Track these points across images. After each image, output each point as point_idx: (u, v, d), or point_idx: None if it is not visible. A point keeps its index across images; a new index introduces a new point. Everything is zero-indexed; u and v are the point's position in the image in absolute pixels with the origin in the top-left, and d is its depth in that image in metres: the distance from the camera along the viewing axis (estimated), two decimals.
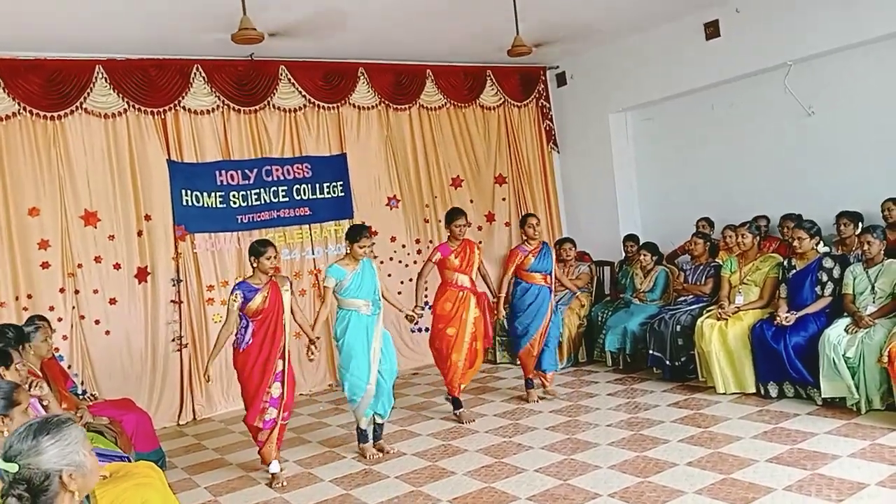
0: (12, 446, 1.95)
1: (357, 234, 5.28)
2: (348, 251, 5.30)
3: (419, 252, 8.43)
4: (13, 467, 1.92)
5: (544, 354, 6.27)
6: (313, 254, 7.79)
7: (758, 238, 6.22)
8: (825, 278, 5.51)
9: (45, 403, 4.07)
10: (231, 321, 4.84)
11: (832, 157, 6.82)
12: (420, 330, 8.22)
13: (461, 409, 6.00)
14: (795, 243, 5.58)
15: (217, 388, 7.17)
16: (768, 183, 7.34)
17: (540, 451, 4.95)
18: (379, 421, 5.35)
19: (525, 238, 6.32)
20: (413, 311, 5.75)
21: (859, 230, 5.86)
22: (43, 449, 1.95)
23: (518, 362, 6.57)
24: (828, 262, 5.54)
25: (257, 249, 4.85)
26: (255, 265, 4.88)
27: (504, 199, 9.10)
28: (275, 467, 4.92)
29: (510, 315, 6.41)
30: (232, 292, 4.85)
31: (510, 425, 5.67)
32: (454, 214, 5.99)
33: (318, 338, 5.23)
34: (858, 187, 6.46)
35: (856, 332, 5.02)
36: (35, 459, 1.94)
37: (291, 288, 5.02)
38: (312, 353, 5.09)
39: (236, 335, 4.90)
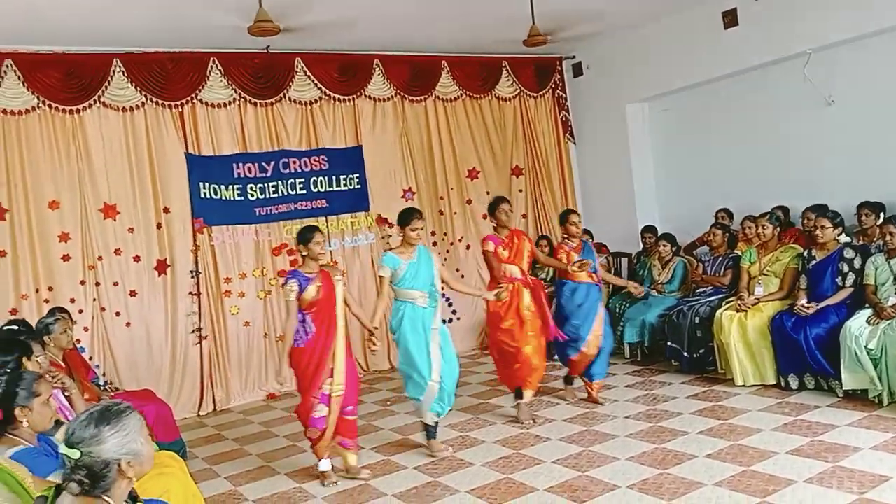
0: (74, 433, 2.01)
1: (408, 216, 4.94)
2: (401, 238, 4.99)
3: (434, 244, 8.42)
4: (75, 454, 1.98)
5: (595, 360, 5.76)
6: (330, 246, 7.80)
7: (778, 229, 6.16)
8: (846, 269, 5.45)
9: (67, 394, 4.12)
10: (293, 313, 4.52)
11: (852, 147, 6.73)
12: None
13: (523, 401, 5.51)
14: (818, 232, 5.52)
15: (237, 380, 7.23)
16: (788, 173, 7.26)
17: (558, 443, 4.94)
18: (435, 419, 5.02)
19: (566, 236, 5.89)
20: (496, 293, 5.33)
21: (881, 220, 5.79)
22: (104, 438, 2.01)
23: (562, 361, 6.06)
24: (849, 253, 5.48)
25: (305, 235, 4.57)
26: (304, 253, 4.58)
27: (521, 191, 9.07)
28: (324, 465, 4.68)
29: (557, 319, 5.74)
30: (286, 282, 4.53)
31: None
32: (497, 201, 5.56)
33: (376, 328, 4.91)
34: (880, 177, 6.37)
35: (877, 323, 4.97)
36: (96, 448, 1.99)
37: (345, 279, 4.72)
38: (374, 345, 4.86)
39: (295, 328, 4.56)
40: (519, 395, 5.56)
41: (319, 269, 4.61)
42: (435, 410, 4.96)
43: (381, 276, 4.99)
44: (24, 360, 3.71)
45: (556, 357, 6.17)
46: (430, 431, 5.04)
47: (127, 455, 2.04)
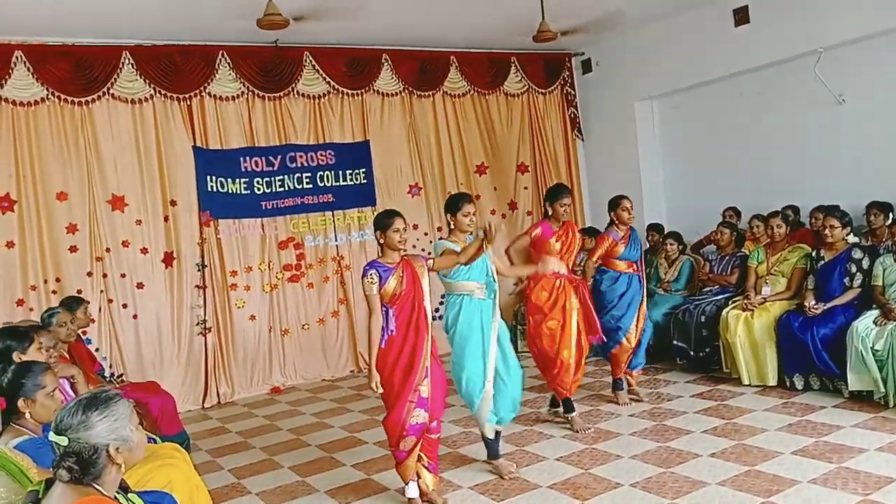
0: (63, 420, 2.03)
1: (458, 201, 4.48)
2: (453, 225, 4.49)
3: (442, 240, 8.38)
4: (63, 440, 2.00)
5: (636, 351, 5.66)
6: (336, 240, 7.82)
7: (787, 228, 6.12)
8: (854, 269, 5.42)
9: (73, 381, 4.14)
10: (378, 309, 3.93)
11: (862, 147, 6.69)
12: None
13: (574, 413, 5.16)
14: (827, 232, 5.49)
15: (241, 373, 7.25)
16: (797, 173, 7.22)
17: (561, 440, 4.94)
18: (498, 429, 4.49)
19: (616, 222, 5.59)
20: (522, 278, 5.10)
21: (890, 221, 5.75)
22: (92, 424, 2.03)
23: (603, 356, 5.93)
24: (857, 253, 5.44)
25: (383, 221, 4.00)
26: (381, 241, 4.02)
27: (526, 188, 9.04)
28: (412, 491, 4.03)
29: (597, 308, 5.48)
30: (364, 274, 3.95)
31: (531, 413, 5.65)
32: (560, 191, 5.22)
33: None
34: (889, 177, 6.32)
35: (885, 324, 4.93)
36: (84, 434, 2.01)
37: (431, 266, 4.14)
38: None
39: (379, 325, 3.98)
40: (569, 407, 5.17)
41: (401, 259, 4.03)
42: (493, 421, 4.42)
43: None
44: (18, 353, 3.67)
45: (593, 355, 5.95)
46: (490, 447, 4.49)
47: (116, 440, 2.05)
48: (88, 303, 5.79)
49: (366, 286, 3.94)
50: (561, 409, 5.30)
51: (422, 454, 4.03)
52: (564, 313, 5.06)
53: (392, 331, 3.94)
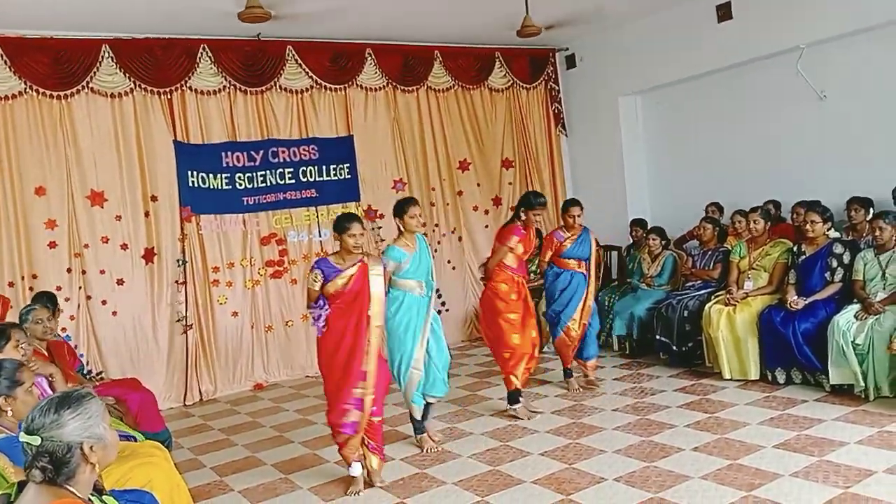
0: (34, 420, 2.00)
1: (405, 204, 4.84)
2: (402, 228, 4.84)
3: (425, 235, 8.35)
4: (36, 440, 1.97)
5: (584, 342, 6.00)
6: (320, 236, 7.76)
7: (768, 223, 6.16)
8: (835, 264, 5.46)
9: (51, 380, 4.09)
10: (310, 299, 4.27)
11: (844, 143, 6.74)
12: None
13: (518, 405, 5.45)
14: (808, 227, 5.53)
15: (223, 370, 7.19)
16: (779, 168, 7.27)
17: (545, 435, 4.94)
18: (429, 400, 4.93)
19: (563, 225, 6.02)
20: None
21: (870, 216, 5.80)
22: (64, 422, 2.00)
23: (549, 350, 6.37)
24: (838, 248, 5.49)
25: (341, 225, 4.21)
26: (338, 242, 4.30)
27: (510, 183, 9.04)
28: (355, 470, 4.31)
29: (546, 302, 6.08)
30: (311, 269, 4.23)
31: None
32: (540, 203, 5.47)
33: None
34: (870, 173, 6.38)
35: (865, 318, 4.97)
36: (57, 432, 1.98)
37: (386, 271, 4.47)
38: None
39: (315, 318, 4.27)
40: (513, 399, 5.46)
41: (357, 260, 4.23)
42: (427, 391, 4.87)
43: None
44: (6, 346, 3.67)
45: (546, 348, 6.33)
46: (416, 426, 4.95)
47: (90, 438, 2.02)
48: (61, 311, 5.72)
49: (309, 281, 4.23)
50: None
51: (366, 437, 4.30)
52: (526, 306, 5.46)
53: (324, 327, 4.20)
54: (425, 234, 7.90)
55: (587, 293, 5.93)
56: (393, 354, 4.78)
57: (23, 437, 1.99)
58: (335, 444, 4.37)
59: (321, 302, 4.21)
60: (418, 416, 4.92)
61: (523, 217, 5.46)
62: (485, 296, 5.62)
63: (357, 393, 4.17)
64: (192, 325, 7.04)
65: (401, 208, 4.83)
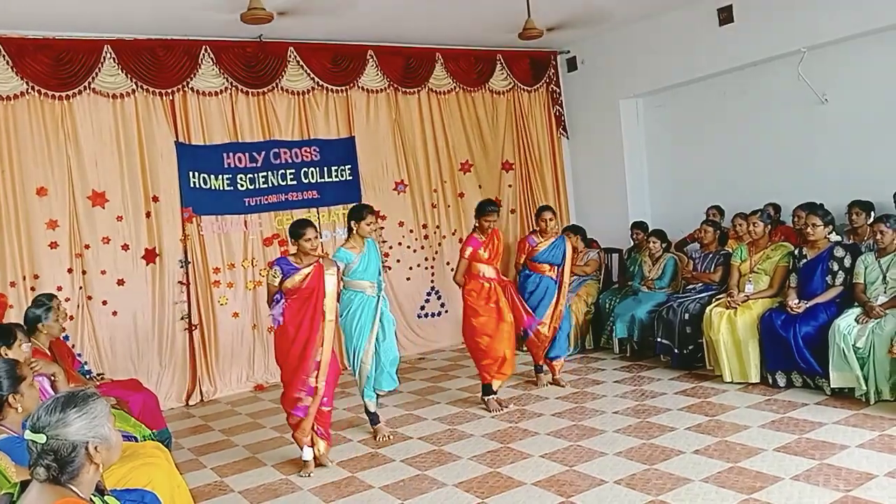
0: (40, 418, 2.01)
1: (362, 210, 5.27)
2: (354, 231, 5.22)
3: (426, 237, 8.41)
4: (41, 438, 1.97)
5: (553, 343, 6.24)
6: (321, 237, 7.73)
7: (769, 226, 6.16)
8: (836, 267, 5.47)
9: (53, 380, 4.09)
10: (269, 295, 4.71)
11: (845, 146, 6.75)
12: (428, 315, 8.24)
13: (491, 396, 5.77)
14: (808, 230, 5.53)
15: (224, 370, 7.19)
16: (780, 171, 7.27)
17: (546, 437, 4.94)
18: (379, 393, 5.39)
19: (537, 230, 6.25)
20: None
21: (871, 220, 5.80)
22: (70, 421, 2.00)
23: (525, 349, 6.58)
24: (839, 252, 5.49)
25: (296, 231, 4.65)
26: (295, 248, 4.72)
27: (511, 186, 9.04)
28: (307, 455, 4.72)
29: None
30: (271, 267, 4.69)
31: (516, 411, 5.66)
32: (485, 209, 5.76)
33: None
34: (871, 176, 6.39)
35: (866, 322, 4.98)
36: (62, 431, 1.99)
37: (339, 273, 4.86)
38: None
39: (273, 312, 4.70)
40: (487, 391, 5.79)
41: (314, 261, 4.64)
42: (377, 386, 5.29)
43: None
44: (4, 349, 3.67)
45: (524, 347, 6.59)
46: (371, 417, 5.31)
47: (94, 439, 2.03)
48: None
49: (269, 277, 4.65)
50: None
51: (315, 423, 4.69)
52: (498, 311, 5.74)
53: (280, 321, 4.59)
54: (426, 237, 8.06)
55: (557, 297, 6.19)
56: (347, 350, 5.23)
57: (28, 435, 1.99)
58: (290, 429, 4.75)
59: (278, 297, 4.61)
60: (372, 409, 5.30)
61: (476, 225, 5.82)
62: (462, 300, 5.96)
63: (310, 381, 4.59)
64: (194, 325, 7.03)
65: (358, 214, 5.23)
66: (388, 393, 5.41)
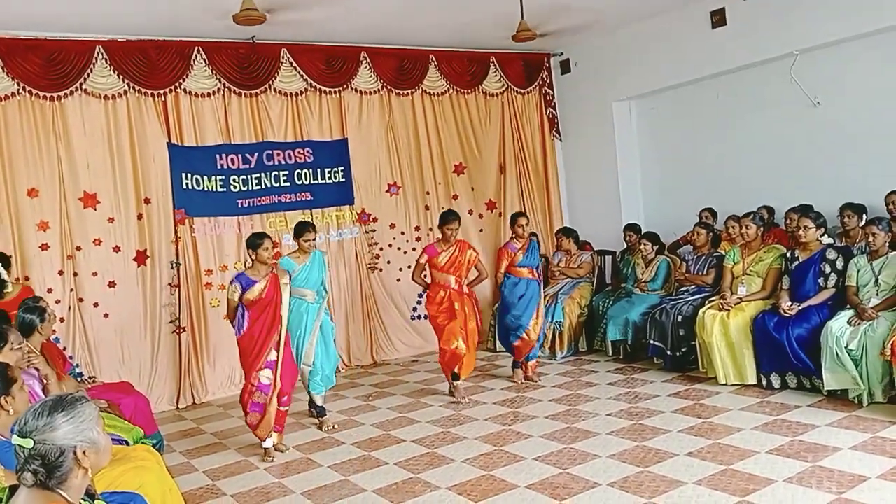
0: (27, 423, 1.98)
1: (302, 229, 5.72)
2: (253, 259, 5.21)
3: (418, 239, 8.39)
4: (28, 443, 1.95)
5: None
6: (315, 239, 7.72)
7: (761, 229, 6.18)
8: (828, 270, 5.48)
9: (45, 383, 4.05)
10: (230, 310, 5.12)
11: (837, 149, 6.77)
12: (420, 317, 8.21)
13: (458, 382, 6.20)
14: (801, 232, 5.55)
15: (216, 373, 7.15)
16: (772, 174, 7.29)
17: (539, 440, 4.93)
18: (320, 402, 5.83)
19: (514, 236, 6.51)
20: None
21: (863, 222, 5.82)
22: (57, 425, 1.98)
23: (507, 348, 6.79)
24: (831, 254, 5.50)
25: (254, 242, 5.05)
26: (253, 258, 5.05)
27: (504, 188, 9.02)
28: (268, 443, 5.12)
29: (501, 309, 6.65)
30: (231, 283, 5.07)
31: (510, 413, 5.65)
32: (446, 218, 6.16)
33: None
34: (863, 179, 6.42)
35: (859, 324, 4.99)
36: (50, 435, 1.97)
37: (289, 280, 5.24)
38: None
39: (235, 322, 5.10)
40: (455, 377, 6.21)
41: (268, 271, 5.06)
42: (317, 391, 5.76)
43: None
44: (4, 348, 3.63)
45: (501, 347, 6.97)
46: (318, 410, 5.81)
47: (83, 443, 2.01)
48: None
49: (229, 292, 5.04)
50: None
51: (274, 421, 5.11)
52: (451, 315, 6.05)
53: (244, 328, 5.00)
54: (418, 239, 8.15)
55: (541, 299, 6.51)
56: (293, 352, 5.53)
57: (15, 440, 1.97)
58: (250, 428, 5.14)
59: (240, 310, 5.02)
60: (319, 403, 5.80)
61: (440, 234, 6.19)
62: None
63: (264, 378, 5.00)
64: (184, 327, 7.00)
65: (299, 232, 5.72)
66: (320, 394, 5.82)
